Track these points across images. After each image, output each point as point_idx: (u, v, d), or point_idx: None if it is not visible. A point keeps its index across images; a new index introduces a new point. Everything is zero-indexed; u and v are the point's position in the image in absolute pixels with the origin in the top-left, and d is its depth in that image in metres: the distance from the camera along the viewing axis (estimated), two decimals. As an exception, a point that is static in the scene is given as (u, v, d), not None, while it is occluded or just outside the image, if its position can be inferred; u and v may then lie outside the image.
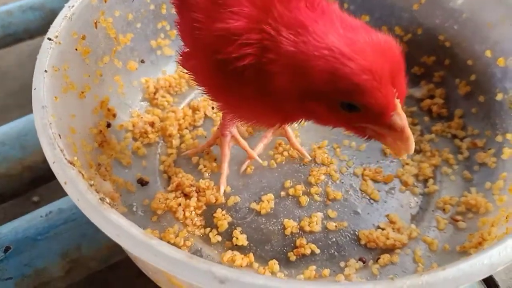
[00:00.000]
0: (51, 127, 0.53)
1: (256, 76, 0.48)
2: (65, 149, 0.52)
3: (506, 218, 0.58)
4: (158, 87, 0.83)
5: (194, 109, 0.81)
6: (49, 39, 0.62)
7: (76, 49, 0.67)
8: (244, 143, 0.73)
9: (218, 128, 0.73)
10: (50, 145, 0.52)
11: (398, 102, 0.45)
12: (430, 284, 0.39)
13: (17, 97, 1.04)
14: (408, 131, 0.46)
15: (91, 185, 0.49)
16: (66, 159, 0.50)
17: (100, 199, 0.47)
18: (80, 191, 0.48)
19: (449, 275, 0.40)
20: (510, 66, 0.69)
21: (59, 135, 0.53)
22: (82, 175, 0.50)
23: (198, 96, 0.84)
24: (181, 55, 0.61)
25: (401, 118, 0.46)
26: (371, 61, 0.42)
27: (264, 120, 0.59)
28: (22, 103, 0.92)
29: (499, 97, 0.71)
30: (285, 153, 0.74)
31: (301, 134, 0.77)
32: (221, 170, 0.71)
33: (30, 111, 0.56)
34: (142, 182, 0.72)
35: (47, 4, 1.07)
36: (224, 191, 0.70)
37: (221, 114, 0.74)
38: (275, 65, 0.46)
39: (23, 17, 1.06)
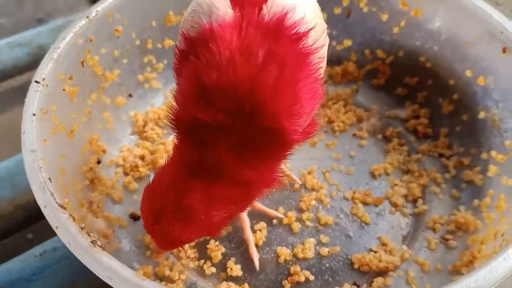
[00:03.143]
0: (41, 171, 0.54)
1: None
2: (56, 192, 0.53)
3: (494, 235, 0.58)
4: (147, 120, 0.84)
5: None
6: (36, 82, 0.63)
7: (63, 90, 0.68)
8: (259, 205, 0.71)
9: None
10: (41, 189, 0.52)
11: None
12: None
13: (6, 133, 1.04)
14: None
15: (82, 228, 0.49)
16: (56, 202, 0.51)
17: (92, 242, 0.48)
18: (72, 235, 0.49)
19: (438, 301, 0.40)
20: (490, 85, 0.71)
21: (49, 179, 0.54)
22: (73, 218, 0.50)
23: (187, 127, 0.85)
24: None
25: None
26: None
27: None
28: (11, 140, 0.92)
29: (482, 115, 0.72)
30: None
31: (290, 160, 0.78)
32: (246, 239, 0.68)
33: (20, 148, 0.57)
34: (135, 217, 0.72)
35: (35, 40, 1.08)
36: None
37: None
38: None
39: (11, 54, 1.06)
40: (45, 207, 0.51)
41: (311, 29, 0.48)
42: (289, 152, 0.51)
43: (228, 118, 0.44)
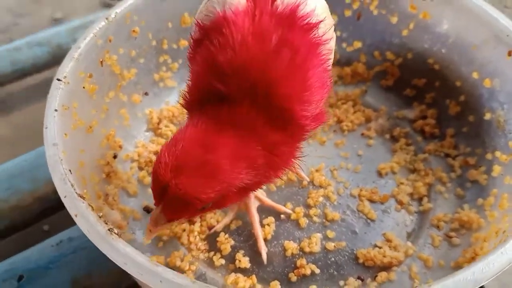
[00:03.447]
0: (62, 163, 0.57)
1: None
2: (75, 183, 0.56)
3: (496, 233, 0.60)
4: (162, 117, 0.87)
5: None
6: (58, 79, 0.66)
7: (83, 87, 0.71)
8: (268, 201, 0.73)
9: None
10: (62, 181, 0.55)
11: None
12: (417, 300, 0.42)
13: (25, 130, 1.08)
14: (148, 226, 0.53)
15: (100, 217, 0.52)
16: (76, 193, 0.54)
17: (109, 229, 0.51)
18: (90, 223, 0.52)
19: (435, 292, 0.43)
20: (496, 87, 0.72)
21: (70, 171, 0.57)
22: (92, 207, 0.53)
23: (200, 125, 0.88)
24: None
25: (153, 211, 0.52)
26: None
27: None
28: (30, 136, 0.95)
29: (488, 116, 0.74)
30: (284, 177, 0.78)
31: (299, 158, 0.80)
32: (255, 233, 0.69)
33: (38, 144, 0.59)
34: (148, 210, 0.75)
35: (54, 40, 1.12)
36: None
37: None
38: None
39: (30, 52, 1.10)
40: (65, 197, 0.54)
41: (321, 21, 0.51)
42: (303, 135, 0.52)
43: (242, 94, 0.46)
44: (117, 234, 0.50)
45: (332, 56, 0.56)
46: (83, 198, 0.54)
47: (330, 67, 0.54)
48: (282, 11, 0.48)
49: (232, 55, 0.46)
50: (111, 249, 0.49)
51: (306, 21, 0.49)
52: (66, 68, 0.68)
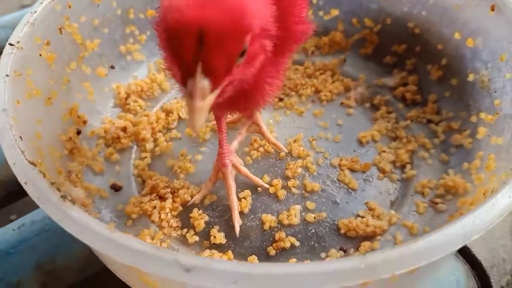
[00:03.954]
0: (12, 129, 0.52)
1: None
2: (27, 150, 0.51)
3: (484, 194, 0.56)
4: (130, 92, 0.82)
5: (168, 112, 0.80)
6: (11, 44, 0.61)
7: (40, 55, 0.66)
8: (246, 170, 0.69)
9: (217, 160, 0.69)
10: (11, 147, 0.50)
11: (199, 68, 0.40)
12: (403, 257, 0.38)
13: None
14: (192, 105, 0.41)
15: (52, 183, 0.47)
16: (26, 159, 0.49)
17: (62, 196, 0.45)
18: (41, 190, 0.46)
19: (422, 247, 0.39)
20: (479, 46, 0.69)
21: (20, 137, 0.52)
22: (43, 174, 0.48)
23: (171, 99, 0.83)
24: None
25: (191, 84, 0.40)
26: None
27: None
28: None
29: (471, 77, 0.70)
30: (261, 149, 0.73)
31: (276, 129, 0.76)
32: (230, 204, 0.66)
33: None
34: (116, 188, 0.70)
35: (18, 23, 1.06)
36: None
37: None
38: None
39: (-5, 35, 1.04)
40: (14, 164, 0.49)
41: None
42: None
43: None
44: (71, 201, 0.45)
45: None
46: (34, 164, 0.48)
47: None
48: None
49: None
50: (64, 216, 0.44)
51: None
52: (19, 33, 0.63)
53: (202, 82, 0.40)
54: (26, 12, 1.04)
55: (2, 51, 1.03)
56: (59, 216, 0.44)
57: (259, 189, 0.69)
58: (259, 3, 0.43)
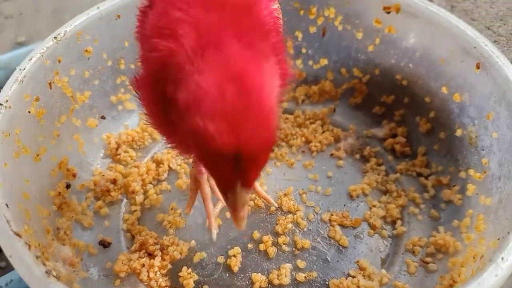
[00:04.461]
0: (-2, 197, 0.51)
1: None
2: (14, 219, 0.50)
3: (474, 258, 0.57)
4: (120, 142, 0.81)
5: (158, 163, 0.80)
6: (-1, 104, 0.61)
7: (29, 112, 0.66)
8: (260, 189, 0.72)
9: (192, 167, 0.68)
10: (-4, 217, 0.50)
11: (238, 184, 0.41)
12: None
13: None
14: (237, 214, 0.44)
15: (37, 257, 0.47)
16: (12, 230, 0.48)
17: (46, 272, 0.45)
18: (26, 264, 0.46)
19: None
20: (466, 102, 0.70)
21: (6, 205, 0.51)
22: (29, 246, 0.48)
23: (162, 149, 0.83)
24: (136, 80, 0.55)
25: (232, 198, 0.42)
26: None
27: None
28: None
29: (459, 132, 0.71)
30: (251, 203, 0.73)
31: (266, 181, 0.76)
32: (207, 211, 0.67)
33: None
34: (104, 244, 0.70)
35: (13, 62, 1.05)
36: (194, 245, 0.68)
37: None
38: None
39: (-12, 75, 1.04)
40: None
41: None
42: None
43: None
44: (56, 277, 0.45)
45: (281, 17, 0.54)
46: (20, 236, 0.48)
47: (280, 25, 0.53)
48: None
49: None
50: (48, 294, 0.43)
51: None
52: (8, 91, 0.63)
53: (242, 196, 0.42)
54: (20, 52, 1.06)
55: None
56: (43, 293, 0.44)
57: (249, 246, 0.68)
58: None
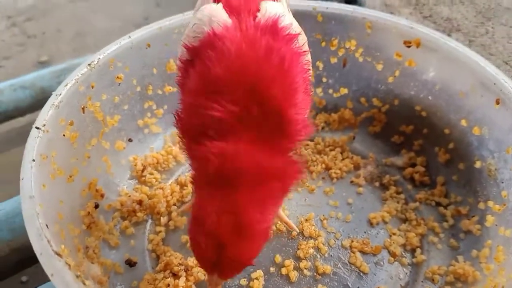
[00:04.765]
0: (39, 217, 0.54)
1: None
2: (52, 239, 0.53)
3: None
4: (146, 164, 0.84)
5: (182, 185, 0.82)
6: (37, 128, 0.64)
7: (63, 135, 0.69)
8: (283, 215, 0.75)
9: None
10: (38, 236, 0.52)
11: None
12: None
13: (4, 174, 1.04)
14: None
15: (77, 276, 0.49)
16: (53, 250, 0.51)
17: (86, 291, 0.47)
18: (66, 283, 0.48)
19: None
20: (485, 135, 0.72)
21: (46, 225, 0.54)
22: (69, 265, 0.50)
23: (185, 172, 0.85)
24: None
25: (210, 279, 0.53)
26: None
27: None
28: (10, 181, 0.92)
29: (478, 164, 0.73)
30: (273, 227, 0.75)
31: (288, 206, 0.78)
32: (285, 221, 0.74)
33: (18, 190, 0.57)
34: (131, 263, 0.72)
35: (37, 83, 1.10)
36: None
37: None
38: None
39: (13, 95, 1.08)
40: (41, 254, 0.50)
41: (299, 33, 0.54)
42: (296, 142, 0.52)
43: (237, 107, 0.47)
44: (96, 296, 0.47)
45: (310, 68, 0.59)
46: (60, 255, 0.50)
47: (310, 78, 0.57)
48: (264, 23, 0.51)
49: (226, 66, 0.48)
50: (88, 313, 0.45)
51: (287, 31, 0.52)
52: (45, 115, 0.66)
53: (217, 279, 0.52)
54: (44, 72, 1.10)
55: (23, 111, 1.08)
56: (83, 312, 0.46)
57: (271, 269, 0.70)
58: None
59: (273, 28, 0.51)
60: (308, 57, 0.59)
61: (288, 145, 0.51)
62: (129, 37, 0.80)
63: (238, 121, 0.48)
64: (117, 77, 0.79)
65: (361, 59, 0.87)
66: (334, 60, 0.89)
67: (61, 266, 0.49)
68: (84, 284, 0.48)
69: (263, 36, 0.50)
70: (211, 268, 0.51)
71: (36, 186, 0.58)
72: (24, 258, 0.79)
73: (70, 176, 0.69)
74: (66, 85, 0.71)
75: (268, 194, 0.50)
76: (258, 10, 0.53)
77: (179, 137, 0.55)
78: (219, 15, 0.52)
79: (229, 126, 0.48)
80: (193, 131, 0.51)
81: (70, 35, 1.51)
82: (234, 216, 0.47)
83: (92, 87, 0.75)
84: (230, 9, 0.53)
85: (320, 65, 0.90)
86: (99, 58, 0.76)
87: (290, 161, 0.52)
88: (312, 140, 0.89)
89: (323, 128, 0.91)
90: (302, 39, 0.57)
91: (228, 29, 0.51)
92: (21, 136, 0.62)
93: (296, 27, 0.56)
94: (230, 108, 0.47)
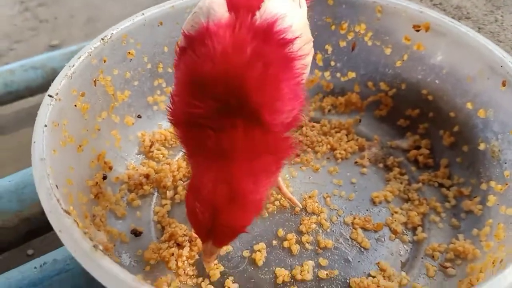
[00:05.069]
0: (49, 178, 0.55)
1: None
2: (61, 199, 0.54)
3: (493, 263, 0.59)
4: (154, 140, 0.86)
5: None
6: (50, 96, 0.66)
7: (75, 105, 0.70)
8: (285, 190, 0.77)
9: None
10: (47, 196, 0.54)
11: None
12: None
13: (14, 152, 1.06)
14: (205, 259, 0.58)
15: (85, 233, 0.50)
16: (62, 208, 0.52)
17: (94, 246, 0.48)
18: (75, 239, 0.50)
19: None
20: (490, 117, 0.72)
21: (56, 186, 0.55)
22: (77, 223, 0.51)
23: (192, 149, 0.86)
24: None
25: (204, 247, 0.56)
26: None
27: None
28: (19, 158, 0.94)
29: (482, 146, 0.73)
30: (277, 203, 0.76)
31: (292, 183, 0.79)
32: (284, 193, 0.76)
33: (26, 166, 0.58)
34: (136, 233, 0.73)
35: (48, 63, 1.11)
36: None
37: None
38: None
39: (24, 75, 1.09)
40: (50, 212, 0.52)
41: (297, 37, 0.53)
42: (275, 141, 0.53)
43: (218, 103, 0.48)
44: (102, 251, 0.48)
45: (308, 71, 0.60)
46: (69, 213, 0.52)
47: (303, 80, 0.57)
48: (259, 24, 0.51)
49: (211, 67, 0.48)
50: (95, 266, 0.47)
51: (282, 36, 0.52)
52: (58, 85, 0.67)
53: (212, 247, 0.55)
54: (55, 54, 1.12)
55: (34, 91, 1.10)
56: (90, 265, 0.47)
57: (273, 242, 0.71)
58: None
59: (267, 31, 0.51)
60: (307, 59, 0.59)
61: (271, 133, 0.52)
62: (143, 14, 0.81)
63: (221, 113, 0.49)
64: (129, 52, 0.80)
65: (370, 43, 0.87)
66: (343, 44, 0.90)
67: (70, 223, 0.51)
68: (92, 240, 0.49)
69: (253, 40, 0.49)
70: (206, 234, 0.53)
71: (47, 149, 0.59)
72: (33, 229, 0.81)
73: (80, 146, 0.70)
74: (80, 57, 0.72)
75: (261, 167, 0.52)
76: (259, 8, 0.53)
77: (170, 121, 0.57)
78: (217, 9, 0.53)
79: (214, 119, 0.50)
80: (184, 117, 0.53)
81: (82, 20, 1.52)
82: (229, 186, 0.50)
83: (104, 61, 0.76)
84: (231, 3, 0.53)
85: (329, 48, 0.91)
86: (112, 33, 0.77)
87: (282, 138, 0.53)
88: (318, 122, 0.90)
89: (329, 111, 0.92)
90: (303, 41, 0.56)
91: (220, 26, 0.51)
92: (31, 117, 0.64)
93: (297, 29, 0.55)
94: (211, 103, 0.49)
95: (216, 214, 0.50)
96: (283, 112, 0.51)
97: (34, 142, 0.60)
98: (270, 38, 0.51)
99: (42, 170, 0.56)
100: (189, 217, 0.53)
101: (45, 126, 0.62)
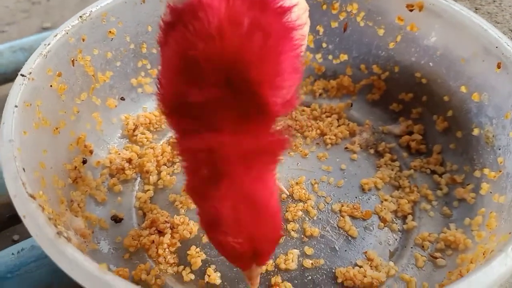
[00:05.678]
0: (16, 160, 0.52)
1: None
2: (29, 183, 0.51)
3: (483, 254, 0.56)
4: (138, 123, 0.83)
5: (173, 146, 0.81)
6: (22, 75, 0.63)
7: (51, 86, 0.67)
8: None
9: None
10: (13, 179, 0.51)
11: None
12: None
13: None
14: (252, 283, 0.53)
15: (49, 219, 0.48)
16: (27, 192, 0.50)
17: (57, 233, 0.46)
18: (38, 225, 0.47)
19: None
20: (485, 101, 0.69)
21: (23, 169, 0.52)
22: (42, 208, 0.49)
23: (177, 133, 0.84)
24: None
25: (249, 273, 0.52)
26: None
27: None
28: None
29: (476, 132, 0.70)
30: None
31: (279, 170, 0.76)
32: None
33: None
34: (116, 219, 0.71)
35: (37, 46, 1.07)
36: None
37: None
38: None
39: (13, 57, 1.06)
40: (15, 196, 0.49)
41: (295, 5, 0.49)
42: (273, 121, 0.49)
43: (217, 90, 0.44)
44: (66, 238, 0.45)
45: (305, 43, 0.56)
46: (34, 198, 0.49)
47: (302, 53, 0.53)
48: None
49: (205, 47, 0.43)
50: (57, 253, 0.44)
51: (279, 4, 0.47)
52: (32, 64, 0.64)
53: (257, 270, 0.51)
54: (45, 35, 1.08)
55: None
56: (53, 252, 0.45)
57: (258, 230, 0.69)
58: None
59: (263, 0, 0.47)
60: (305, 29, 0.56)
61: (269, 122, 0.48)
62: (124, -10, 0.78)
63: (218, 103, 0.44)
64: (110, 31, 0.77)
65: (362, 24, 0.84)
66: (334, 25, 0.86)
67: (34, 208, 0.48)
68: (56, 226, 0.47)
69: (250, 10, 0.45)
70: (249, 262, 0.49)
71: (16, 131, 0.56)
72: (16, 214, 0.79)
73: (56, 128, 0.67)
74: (56, 35, 0.69)
75: (264, 169, 0.47)
76: None
77: (160, 109, 0.51)
78: None
79: (209, 109, 0.45)
80: (174, 103, 0.48)
81: (74, 2, 1.49)
82: (249, 204, 0.45)
83: (83, 40, 0.73)
84: None
85: (320, 29, 0.87)
86: (91, 11, 0.74)
87: (275, 137, 0.49)
88: (308, 106, 0.87)
89: (320, 94, 0.89)
90: (301, 9, 0.53)
91: None
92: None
93: None
94: (209, 91, 0.44)
95: (254, 239, 0.46)
96: (283, 87, 0.47)
97: (3, 123, 0.57)
98: (267, 8, 0.47)
99: (9, 152, 0.53)
100: (227, 253, 0.49)
101: (16, 106, 0.59)
